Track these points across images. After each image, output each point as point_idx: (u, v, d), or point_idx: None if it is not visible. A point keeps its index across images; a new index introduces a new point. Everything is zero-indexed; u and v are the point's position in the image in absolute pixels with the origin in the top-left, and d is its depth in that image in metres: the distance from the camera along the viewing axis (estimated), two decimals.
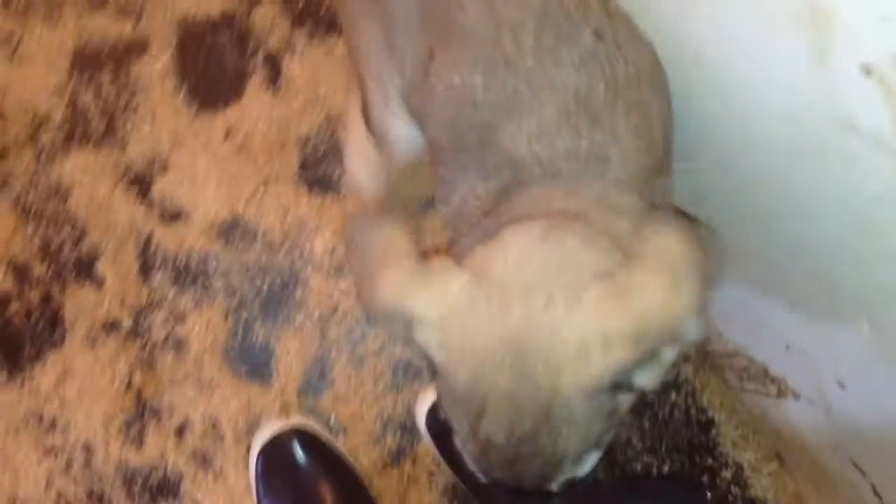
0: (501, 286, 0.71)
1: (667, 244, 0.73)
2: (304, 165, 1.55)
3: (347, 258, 1.24)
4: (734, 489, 1.49)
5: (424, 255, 0.78)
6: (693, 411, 1.49)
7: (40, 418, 1.48)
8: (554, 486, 0.76)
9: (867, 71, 0.78)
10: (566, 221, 0.76)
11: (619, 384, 0.70)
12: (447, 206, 0.95)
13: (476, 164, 0.90)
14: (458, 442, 0.77)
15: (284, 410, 1.49)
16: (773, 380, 1.33)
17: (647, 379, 0.71)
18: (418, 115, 1.07)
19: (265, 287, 1.53)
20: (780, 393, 1.32)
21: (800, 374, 1.26)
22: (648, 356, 0.69)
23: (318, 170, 1.55)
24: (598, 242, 0.74)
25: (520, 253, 0.72)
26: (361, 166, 1.44)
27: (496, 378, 0.69)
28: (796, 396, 1.29)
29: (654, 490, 1.48)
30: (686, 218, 0.95)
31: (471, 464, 0.78)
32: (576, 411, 0.70)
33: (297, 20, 1.60)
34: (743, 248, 1.16)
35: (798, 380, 1.28)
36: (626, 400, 0.74)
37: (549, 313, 0.69)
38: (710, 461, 1.49)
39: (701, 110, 1.02)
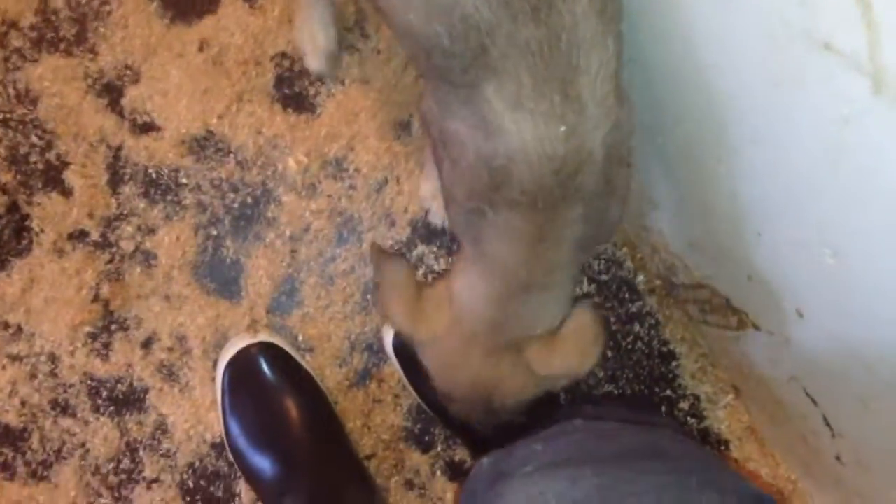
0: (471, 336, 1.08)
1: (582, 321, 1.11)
2: (279, 83, 1.53)
3: (374, 287, 1.51)
4: (691, 420, 1.53)
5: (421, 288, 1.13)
6: (655, 343, 1.52)
7: (5, 325, 1.47)
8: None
9: None
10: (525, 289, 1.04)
11: None
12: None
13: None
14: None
15: (252, 328, 1.49)
16: (735, 311, 1.35)
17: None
18: None
19: (236, 204, 1.52)
20: (741, 325, 1.35)
21: (761, 305, 1.29)
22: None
23: (294, 88, 1.53)
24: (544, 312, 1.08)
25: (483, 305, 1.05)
26: (314, 41, 1.47)
27: None
28: (756, 328, 1.32)
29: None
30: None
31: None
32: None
33: None
34: (714, 173, 1.17)
35: (759, 311, 1.30)
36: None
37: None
38: (668, 392, 1.53)
39: (682, 27, 1.02)
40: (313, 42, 1.48)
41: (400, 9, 0.92)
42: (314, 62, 1.50)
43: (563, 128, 0.89)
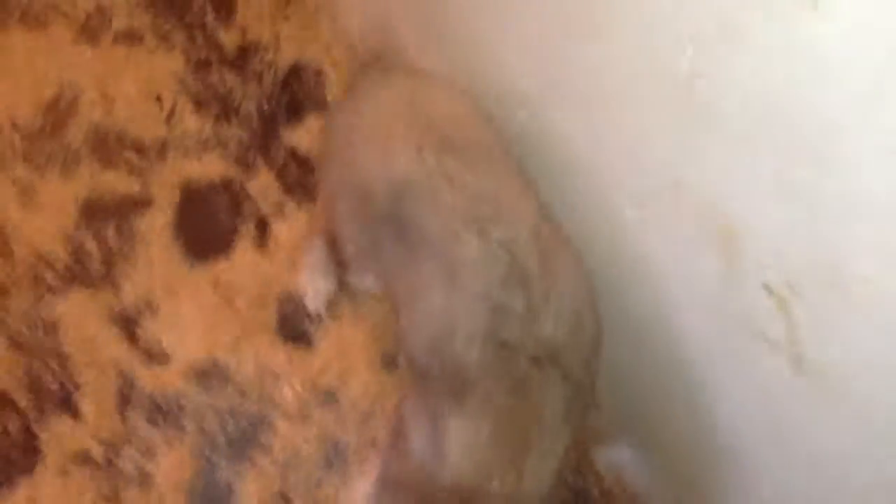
0: None
1: None
2: (282, 320, 1.71)
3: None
4: None
5: None
6: None
7: None
8: None
9: (768, 290, 0.98)
10: None
11: None
12: None
13: (426, 430, 1.14)
14: None
15: None
16: None
17: None
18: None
19: (234, 430, 1.64)
20: None
21: None
22: None
23: (295, 325, 1.71)
24: None
25: None
26: (315, 287, 1.66)
27: None
28: None
29: None
30: None
31: None
32: None
33: (289, 190, 1.80)
34: (668, 426, 1.33)
35: None
36: None
37: None
38: None
39: (634, 315, 1.22)
40: (314, 285, 1.68)
41: (411, 335, 1.12)
42: (313, 303, 1.69)
43: (494, 484, 1.06)
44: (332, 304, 1.71)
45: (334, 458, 1.64)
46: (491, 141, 1.19)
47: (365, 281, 1.42)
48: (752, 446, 1.16)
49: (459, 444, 1.06)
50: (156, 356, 1.66)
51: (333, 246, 1.50)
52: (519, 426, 1.06)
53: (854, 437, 0.95)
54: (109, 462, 1.59)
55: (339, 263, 1.54)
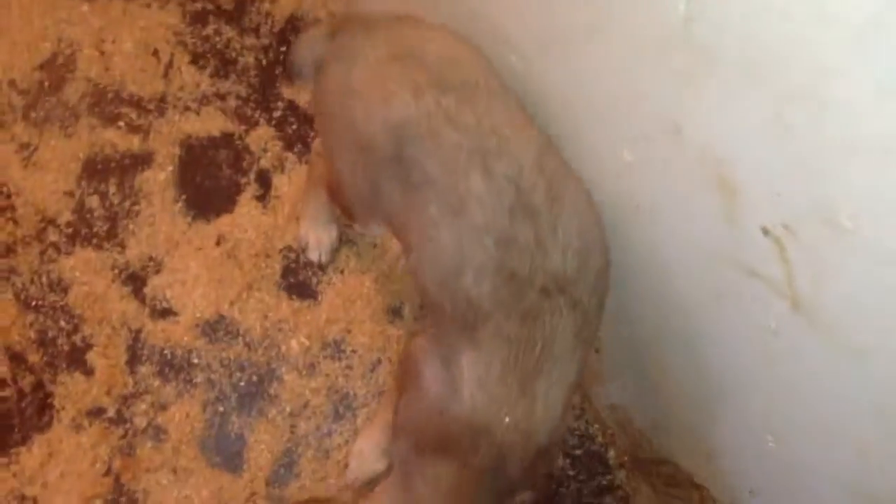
0: None
1: None
2: (285, 273, 1.72)
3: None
4: None
5: None
6: None
7: (22, 498, 1.57)
8: None
9: (765, 232, 0.99)
10: None
11: None
12: None
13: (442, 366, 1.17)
14: None
15: (252, 500, 1.60)
16: (697, 487, 1.49)
17: None
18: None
19: (243, 382, 1.66)
20: (702, 500, 1.48)
21: (719, 482, 1.43)
22: None
23: (299, 277, 1.72)
24: None
25: None
26: (317, 236, 1.68)
27: None
28: (714, 503, 1.45)
29: None
30: None
31: None
32: None
33: (289, 143, 1.80)
34: (671, 363, 1.34)
35: (718, 488, 1.44)
36: None
37: None
38: None
39: (634, 257, 1.22)
40: (317, 237, 1.69)
41: (422, 274, 1.13)
42: (315, 254, 1.70)
43: (507, 419, 1.08)
44: (334, 257, 1.72)
45: (342, 408, 1.67)
46: (488, 77, 1.19)
47: (370, 229, 1.42)
48: (752, 383, 1.18)
49: (473, 378, 1.07)
50: (163, 312, 1.68)
51: (334, 197, 1.50)
52: (530, 356, 1.08)
53: (850, 370, 0.96)
54: (122, 416, 1.62)
55: (341, 214, 1.54)
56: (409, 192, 1.15)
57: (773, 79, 0.81)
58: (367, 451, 1.53)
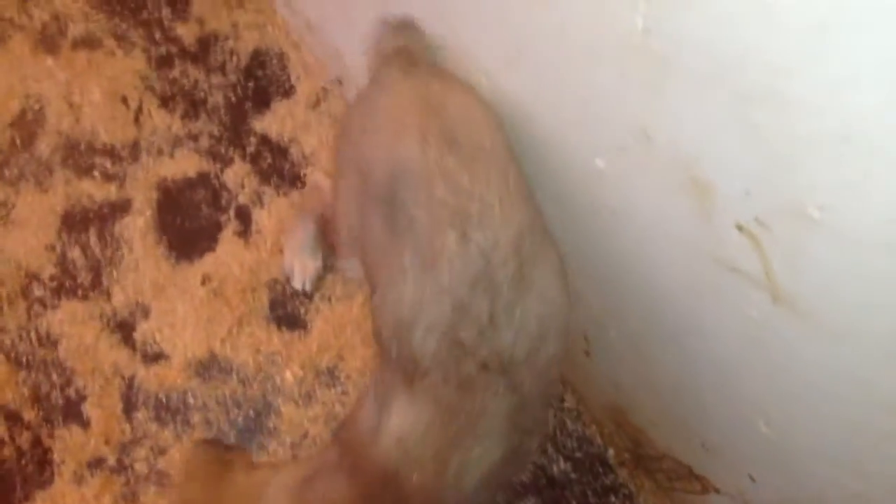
0: None
1: None
2: (273, 305, 1.73)
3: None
4: None
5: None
6: None
7: None
8: None
9: (740, 228, 1.02)
10: None
11: None
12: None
13: (375, 406, 1.17)
14: None
15: None
16: (697, 478, 1.52)
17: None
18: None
19: (240, 418, 1.67)
20: (704, 489, 1.51)
21: (717, 470, 1.46)
22: None
23: (287, 308, 1.73)
24: None
25: None
26: (301, 263, 1.71)
27: None
28: (717, 492, 1.48)
29: None
30: None
31: None
32: None
33: (265, 177, 1.82)
34: (660, 359, 1.37)
35: (717, 476, 1.47)
36: None
37: None
38: None
39: (613, 263, 1.25)
40: (302, 264, 1.71)
41: (379, 316, 1.16)
42: (299, 282, 1.72)
43: (415, 477, 1.10)
44: (322, 285, 1.74)
45: None
46: (497, 148, 1.21)
47: (352, 266, 1.44)
48: (740, 373, 1.21)
49: (396, 428, 1.11)
50: (154, 356, 1.69)
51: (325, 227, 1.52)
52: (456, 424, 1.11)
53: (830, 352, 0.99)
54: (123, 464, 1.63)
55: (329, 246, 1.56)
56: (392, 235, 1.18)
57: (734, 82, 0.84)
58: None
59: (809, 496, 1.28)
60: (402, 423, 1.10)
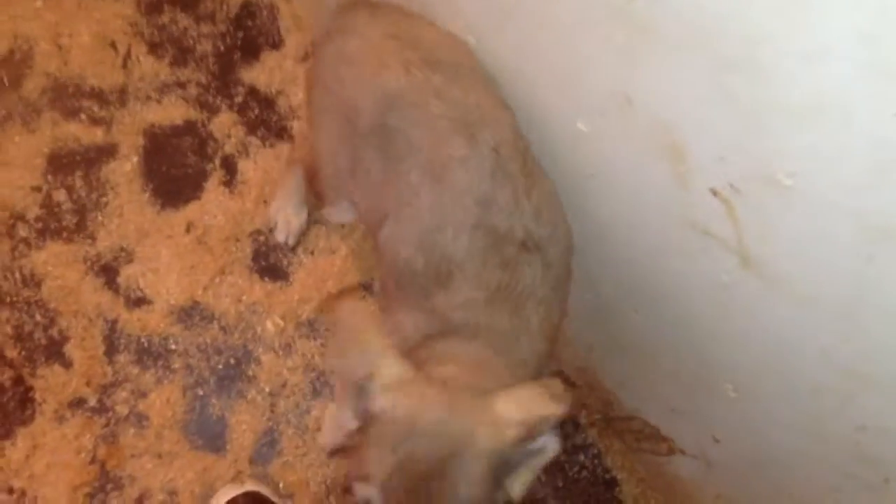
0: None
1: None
2: (256, 256, 1.75)
3: (330, 330, 1.48)
4: None
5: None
6: (598, 471, 1.71)
7: (10, 490, 1.60)
8: None
9: (714, 193, 1.04)
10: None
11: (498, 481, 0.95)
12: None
13: (416, 311, 1.15)
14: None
15: (238, 478, 1.64)
16: (664, 439, 1.56)
17: (518, 485, 0.96)
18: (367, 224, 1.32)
19: (220, 365, 1.70)
20: (670, 451, 1.56)
21: (684, 433, 1.50)
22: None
23: (269, 259, 1.75)
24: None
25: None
26: (286, 217, 1.73)
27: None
28: (682, 453, 1.53)
29: None
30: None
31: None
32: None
33: (251, 127, 1.82)
34: (632, 321, 1.40)
35: (683, 438, 1.52)
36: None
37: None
38: None
39: (593, 222, 1.28)
40: (286, 218, 1.72)
41: (395, 242, 1.17)
42: (282, 236, 1.74)
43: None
44: (305, 239, 1.76)
45: (319, 385, 1.71)
46: (474, 65, 1.26)
47: (340, 211, 1.46)
48: (709, 337, 1.24)
49: (458, 303, 1.12)
50: (137, 301, 1.71)
51: (310, 178, 1.53)
52: (511, 294, 1.13)
53: (796, 318, 1.03)
54: (103, 405, 1.65)
55: (315, 196, 1.57)
56: (390, 163, 1.20)
57: (711, 49, 0.86)
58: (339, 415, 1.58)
59: (771, 458, 1.32)
60: (460, 298, 1.12)
